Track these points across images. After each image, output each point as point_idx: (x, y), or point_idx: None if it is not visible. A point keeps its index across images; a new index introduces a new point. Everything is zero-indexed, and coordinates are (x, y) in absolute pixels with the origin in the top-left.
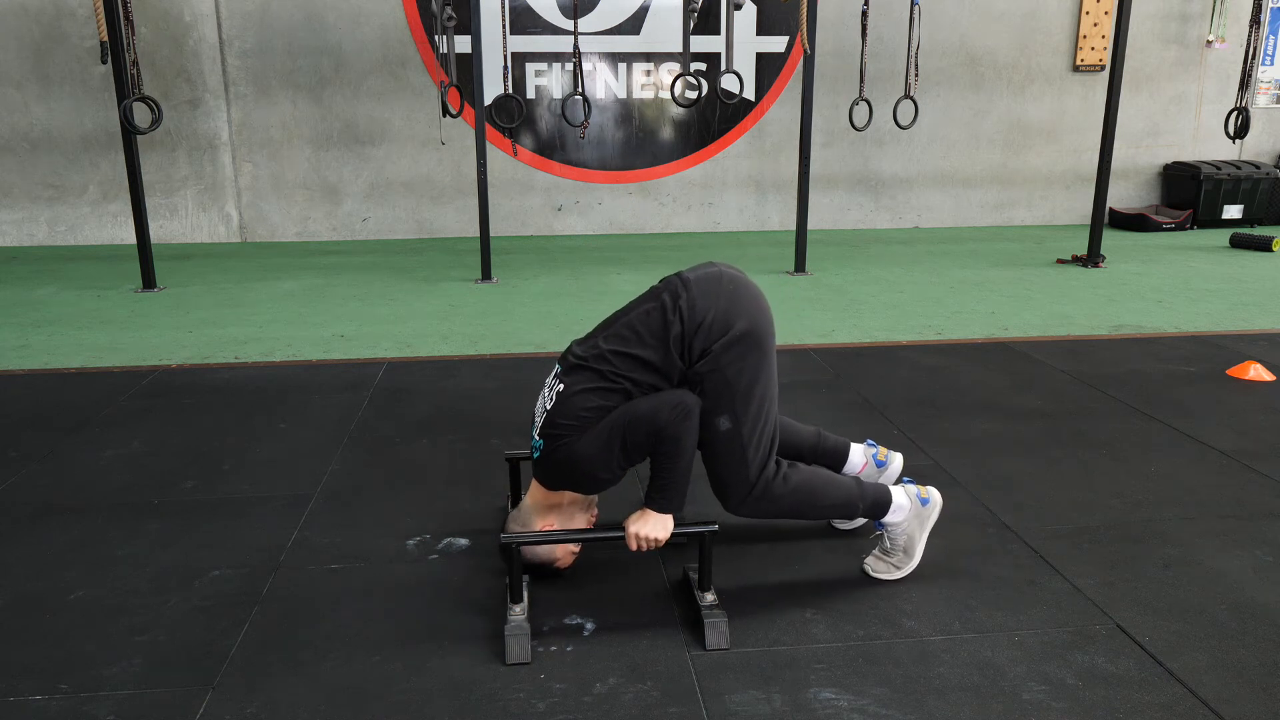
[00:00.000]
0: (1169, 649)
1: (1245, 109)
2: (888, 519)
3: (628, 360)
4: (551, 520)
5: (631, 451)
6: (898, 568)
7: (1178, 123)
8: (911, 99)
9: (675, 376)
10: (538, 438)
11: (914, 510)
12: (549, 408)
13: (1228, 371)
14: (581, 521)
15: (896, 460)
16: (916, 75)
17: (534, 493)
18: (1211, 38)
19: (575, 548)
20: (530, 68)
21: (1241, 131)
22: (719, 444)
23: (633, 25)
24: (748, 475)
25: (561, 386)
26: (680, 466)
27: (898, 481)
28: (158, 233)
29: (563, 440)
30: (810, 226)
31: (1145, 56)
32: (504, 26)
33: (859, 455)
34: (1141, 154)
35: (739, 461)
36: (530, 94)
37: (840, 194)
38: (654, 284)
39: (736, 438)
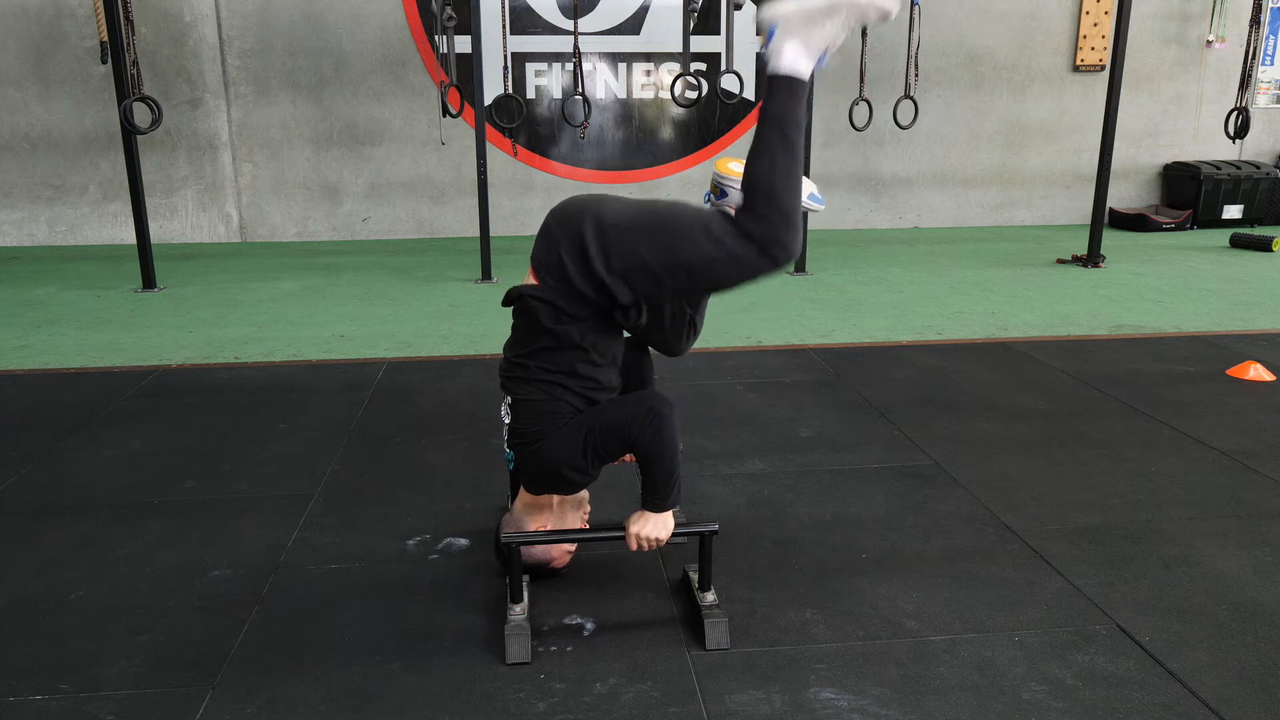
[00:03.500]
0: (1169, 649)
1: (1245, 109)
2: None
3: (538, 355)
4: (544, 520)
5: (605, 458)
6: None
7: (1178, 123)
8: (911, 99)
9: (587, 316)
10: (508, 450)
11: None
12: (508, 422)
13: (1228, 371)
14: (574, 520)
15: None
16: (916, 75)
17: (523, 497)
18: (1211, 38)
19: (571, 546)
20: (530, 68)
21: (1241, 131)
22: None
23: (633, 25)
24: (692, 328)
25: (510, 399)
26: (666, 468)
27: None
28: (158, 233)
29: (531, 448)
30: (810, 226)
31: (1145, 56)
32: (504, 26)
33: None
34: (1141, 154)
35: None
36: (530, 94)
37: (840, 194)
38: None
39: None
